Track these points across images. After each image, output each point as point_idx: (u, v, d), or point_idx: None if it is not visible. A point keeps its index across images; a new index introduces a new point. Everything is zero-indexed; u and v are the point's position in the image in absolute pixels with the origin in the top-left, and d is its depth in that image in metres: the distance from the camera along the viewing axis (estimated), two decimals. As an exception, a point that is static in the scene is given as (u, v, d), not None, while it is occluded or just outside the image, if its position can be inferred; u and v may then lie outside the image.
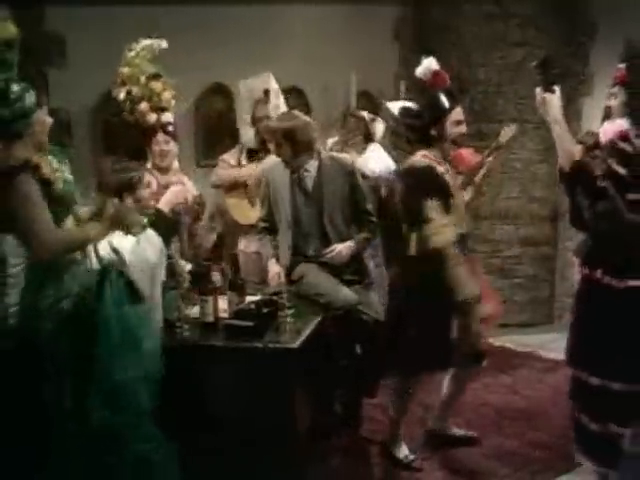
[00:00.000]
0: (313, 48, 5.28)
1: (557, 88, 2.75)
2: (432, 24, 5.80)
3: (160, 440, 2.69)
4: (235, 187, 4.26)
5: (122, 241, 2.74)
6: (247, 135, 4.34)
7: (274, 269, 3.59)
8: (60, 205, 2.60)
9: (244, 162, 4.26)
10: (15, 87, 2.51)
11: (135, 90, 3.99)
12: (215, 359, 2.95)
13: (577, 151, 2.79)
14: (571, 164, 2.69)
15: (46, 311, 2.55)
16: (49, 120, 2.67)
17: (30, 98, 2.54)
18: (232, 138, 4.61)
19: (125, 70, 3.99)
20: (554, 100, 2.74)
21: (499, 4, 5.50)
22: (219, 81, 4.93)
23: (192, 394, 2.85)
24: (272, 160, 3.89)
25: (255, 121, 4.22)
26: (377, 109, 5.64)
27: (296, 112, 3.74)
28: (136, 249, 2.74)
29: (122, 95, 4.00)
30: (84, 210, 2.81)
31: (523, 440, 3.71)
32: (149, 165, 3.95)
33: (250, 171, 4.17)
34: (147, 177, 3.05)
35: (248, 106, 4.29)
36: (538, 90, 2.76)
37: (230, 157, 4.31)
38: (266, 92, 4.17)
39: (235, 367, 2.92)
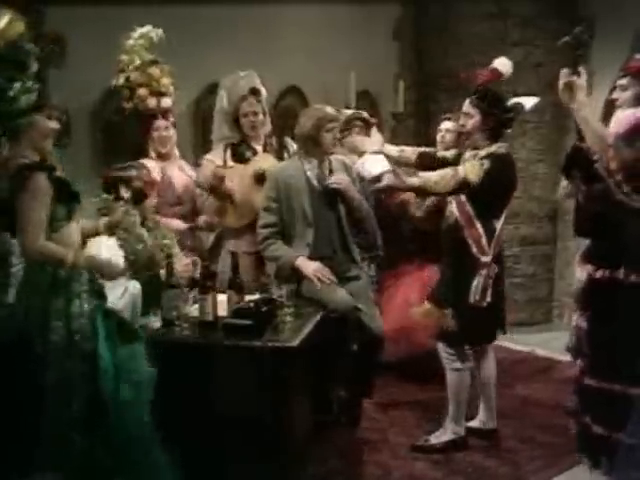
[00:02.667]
0: (313, 47, 5.29)
1: (583, 71, 2.68)
2: (431, 24, 5.81)
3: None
4: (216, 189, 4.00)
5: None
6: (223, 132, 4.25)
7: (312, 265, 3.52)
8: (72, 203, 2.63)
9: (230, 163, 4.05)
10: (16, 85, 2.48)
11: (134, 76, 4.14)
12: (214, 358, 2.97)
13: (608, 135, 2.65)
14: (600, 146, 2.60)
15: (60, 312, 2.57)
16: (51, 125, 2.65)
17: (28, 99, 2.50)
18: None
19: (123, 57, 4.16)
20: (582, 82, 2.67)
21: (498, 4, 5.49)
22: (218, 80, 4.92)
23: (191, 393, 2.86)
24: (279, 163, 3.91)
25: (240, 117, 4.05)
26: (376, 109, 5.65)
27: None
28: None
29: (121, 81, 4.15)
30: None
31: (522, 438, 3.71)
32: (152, 154, 4.09)
33: (237, 177, 3.96)
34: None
35: (233, 102, 4.17)
36: (564, 72, 2.69)
37: (215, 157, 4.11)
38: (253, 90, 4.10)
39: (234, 366, 2.93)
